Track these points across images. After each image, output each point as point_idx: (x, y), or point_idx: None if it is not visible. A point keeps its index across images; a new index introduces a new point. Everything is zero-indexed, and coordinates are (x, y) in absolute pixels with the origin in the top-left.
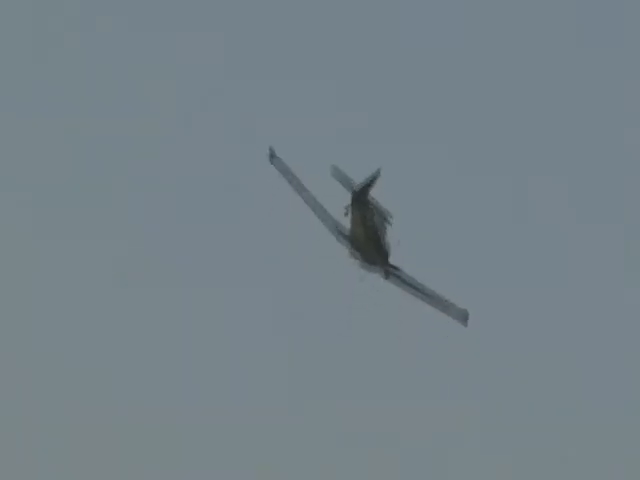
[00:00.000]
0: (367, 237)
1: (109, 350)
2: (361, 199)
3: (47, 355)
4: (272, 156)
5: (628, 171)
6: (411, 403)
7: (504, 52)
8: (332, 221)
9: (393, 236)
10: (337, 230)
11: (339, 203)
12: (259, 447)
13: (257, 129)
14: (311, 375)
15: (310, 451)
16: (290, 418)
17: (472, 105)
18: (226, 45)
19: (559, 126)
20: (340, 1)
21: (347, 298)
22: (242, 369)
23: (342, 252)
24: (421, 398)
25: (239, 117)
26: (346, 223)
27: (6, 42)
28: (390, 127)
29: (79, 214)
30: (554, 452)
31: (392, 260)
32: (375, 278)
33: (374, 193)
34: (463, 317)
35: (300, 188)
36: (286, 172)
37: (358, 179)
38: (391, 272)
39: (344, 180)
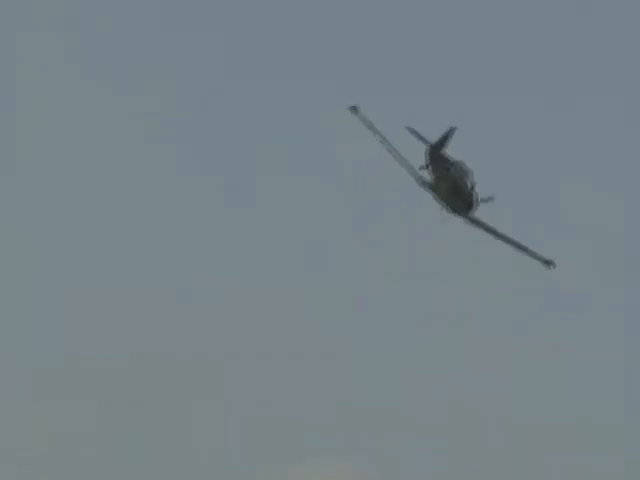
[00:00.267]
0: (447, 189)
1: None
2: (437, 155)
3: None
4: (354, 109)
5: None
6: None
7: None
8: (414, 172)
9: (481, 190)
10: (420, 180)
11: (418, 157)
12: None
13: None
14: None
15: None
16: None
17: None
18: (226, 45)
19: None
20: (340, 1)
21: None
22: None
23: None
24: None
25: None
26: (427, 176)
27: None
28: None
29: None
30: None
31: (483, 214)
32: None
33: (452, 150)
34: (548, 263)
35: (382, 139)
36: (368, 124)
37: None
38: (475, 221)
39: (419, 137)
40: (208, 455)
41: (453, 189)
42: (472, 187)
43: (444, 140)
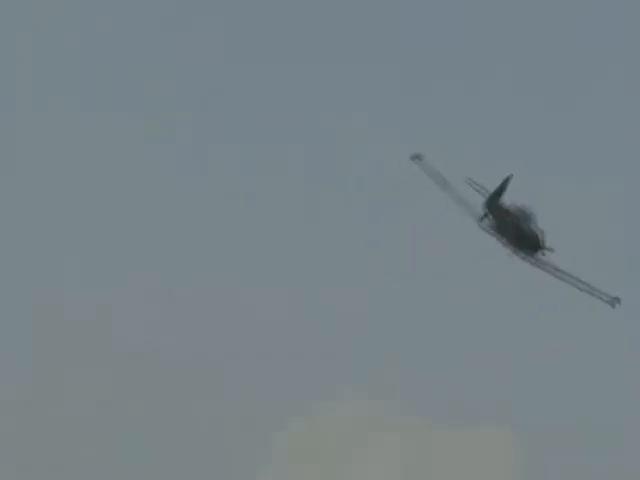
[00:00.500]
0: (508, 235)
1: None
2: (494, 205)
3: None
4: (416, 157)
5: None
6: None
7: None
8: (476, 217)
9: (544, 233)
10: (482, 224)
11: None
12: None
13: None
14: None
15: None
16: None
17: None
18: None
19: None
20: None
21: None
22: None
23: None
24: None
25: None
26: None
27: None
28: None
29: None
30: None
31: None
32: (524, 263)
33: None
34: (613, 302)
35: (445, 187)
36: (431, 172)
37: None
38: (539, 261)
39: (479, 189)
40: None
41: (516, 235)
42: (535, 229)
43: (500, 190)
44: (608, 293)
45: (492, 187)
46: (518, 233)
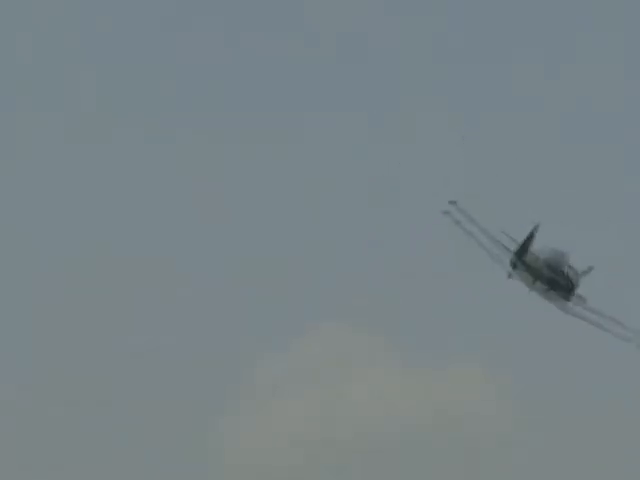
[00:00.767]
0: (540, 281)
1: None
2: (520, 259)
3: None
4: (453, 203)
5: None
6: None
7: None
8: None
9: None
10: (512, 273)
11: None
12: None
13: None
14: None
15: None
16: None
17: None
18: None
19: None
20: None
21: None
22: None
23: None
24: None
25: None
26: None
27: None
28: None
29: None
30: None
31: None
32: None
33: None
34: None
35: (479, 235)
36: (465, 219)
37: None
38: (574, 304)
39: (509, 241)
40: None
41: (547, 280)
42: (568, 270)
43: (528, 241)
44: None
45: (522, 238)
46: (549, 278)
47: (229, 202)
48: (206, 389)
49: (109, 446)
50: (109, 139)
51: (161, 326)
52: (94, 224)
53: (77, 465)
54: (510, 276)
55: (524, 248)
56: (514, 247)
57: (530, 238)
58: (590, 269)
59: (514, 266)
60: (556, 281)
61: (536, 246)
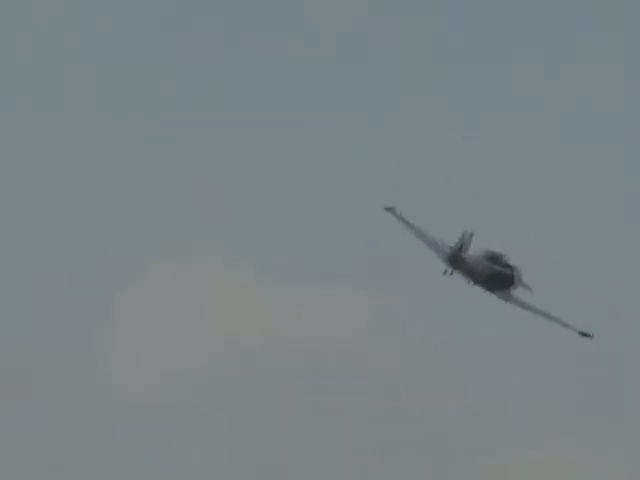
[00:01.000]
0: (475, 280)
1: None
2: (455, 263)
3: None
4: (391, 209)
5: None
6: None
7: None
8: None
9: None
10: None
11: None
12: None
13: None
14: None
15: None
16: None
17: None
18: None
19: None
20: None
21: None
22: None
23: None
24: None
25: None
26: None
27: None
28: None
29: None
30: None
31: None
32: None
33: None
34: (584, 334)
35: (417, 233)
36: (403, 221)
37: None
38: (508, 298)
39: (437, 247)
40: None
41: (484, 279)
42: (503, 268)
43: (459, 247)
44: (580, 329)
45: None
46: (486, 276)
47: (229, 202)
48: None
49: None
50: (109, 139)
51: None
52: (94, 224)
53: None
54: (445, 274)
55: (457, 251)
56: (447, 253)
57: (462, 243)
58: (530, 289)
59: (448, 270)
60: (495, 274)
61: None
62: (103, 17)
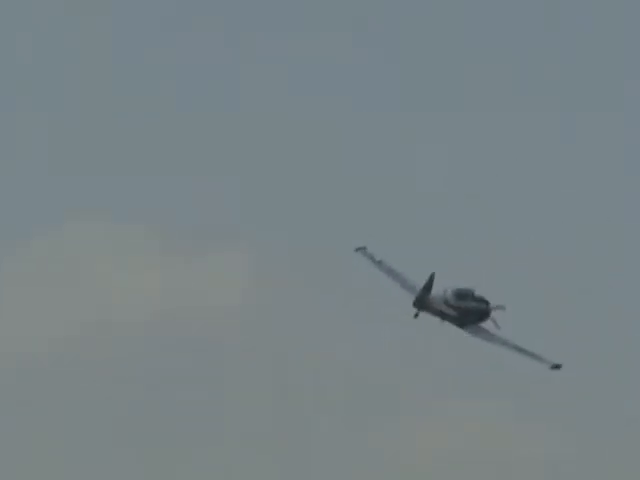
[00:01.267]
0: (443, 318)
1: None
2: (422, 305)
3: None
4: (362, 249)
5: None
6: None
7: None
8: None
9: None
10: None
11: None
12: None
13: None
14: None
15: None
16: None
17: None
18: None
19: None
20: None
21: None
22: None
23: None
24: None
25: None
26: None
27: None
28: None
29: None
30: None
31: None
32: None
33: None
34: (555, 366)
35: (389, 272)
36: (375, 261)
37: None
38: (475, 333)
39: (410, 288)
40: None
41: (457, 318)
42: (473, 303)
43: (425, 290)
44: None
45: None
46: (459, 314)
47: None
48: None
49: None
50: (109, 139)
51: None
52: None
53: None
54: (417, 316)
55: (423, 294)
56: (415, 294)
57: (427, 286)
58: (501, 307)
59: (417, 313)
60: (468, 311)
61: (438, 288)
62: (103, 17)
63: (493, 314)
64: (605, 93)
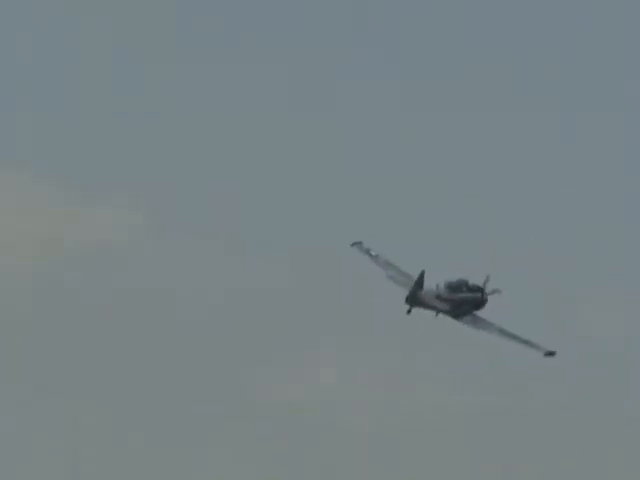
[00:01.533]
0: (437, 311)
1: None
2: (414, 301)
3: None
4: (358, 244)
5: None
6: None
7: None
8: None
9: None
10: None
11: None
12: None
13: None
14: None
15: None
16: None
17: None
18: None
19: None
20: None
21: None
22: None
23: None
24: None
25: None
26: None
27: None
28: None
29: None
30: None
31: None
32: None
33: None
34: (549, 353)
35: (384, 265)
36: (370, 255)
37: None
38: (471, 323)
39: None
40: None
41: (452, 310)
42: (465, 294)
43: (416, 287)
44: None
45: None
46: (454, 306)
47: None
48: None
49: None
50: (109, 139)
51: None
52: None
53: None
54: (409, 312)
55: (414, 291)
56: (408, 290)
57: (418, 283)
58: (497, 291)
59: (409, 310)
60: (463, 301)
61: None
62: (103, 17)
63: (488, 292)
64: (605, 93)
